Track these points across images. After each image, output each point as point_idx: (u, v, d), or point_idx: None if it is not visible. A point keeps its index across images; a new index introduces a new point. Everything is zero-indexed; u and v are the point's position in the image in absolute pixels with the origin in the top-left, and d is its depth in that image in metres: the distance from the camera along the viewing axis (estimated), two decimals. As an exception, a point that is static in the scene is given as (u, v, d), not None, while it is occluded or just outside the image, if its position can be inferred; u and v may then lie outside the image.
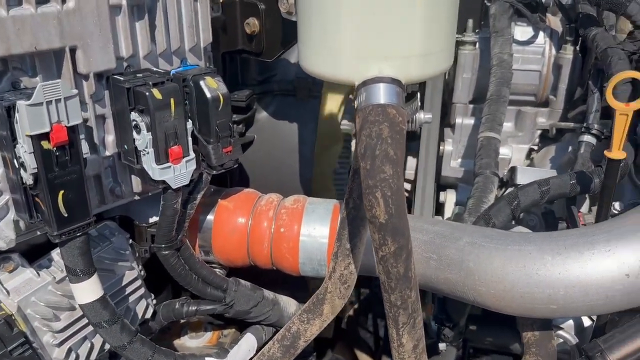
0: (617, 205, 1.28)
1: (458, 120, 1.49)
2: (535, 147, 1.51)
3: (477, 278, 0.93)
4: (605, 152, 1.00)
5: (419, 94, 0.86)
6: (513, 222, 1.23)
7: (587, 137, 1.25)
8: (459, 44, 1.46)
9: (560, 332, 1.22)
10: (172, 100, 0.94)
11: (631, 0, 1.24)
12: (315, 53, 0.86)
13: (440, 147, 1.47)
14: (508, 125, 1.51)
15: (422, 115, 0.84)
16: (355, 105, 0.82)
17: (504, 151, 1.43)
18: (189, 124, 0.98)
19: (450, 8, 0.83)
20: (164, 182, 0.96)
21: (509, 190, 1.23)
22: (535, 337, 1.03)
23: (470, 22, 1.43)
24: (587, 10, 1.37)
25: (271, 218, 1.15)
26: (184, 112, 0.96)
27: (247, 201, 1.18)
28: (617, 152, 0.99)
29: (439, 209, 1.48)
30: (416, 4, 0.78)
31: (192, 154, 0.99)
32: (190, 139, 0.98)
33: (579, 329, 1.23)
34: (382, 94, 0.79)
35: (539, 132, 1.49)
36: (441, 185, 1.50)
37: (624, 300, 0.85)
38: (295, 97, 1.36)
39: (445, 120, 1.56)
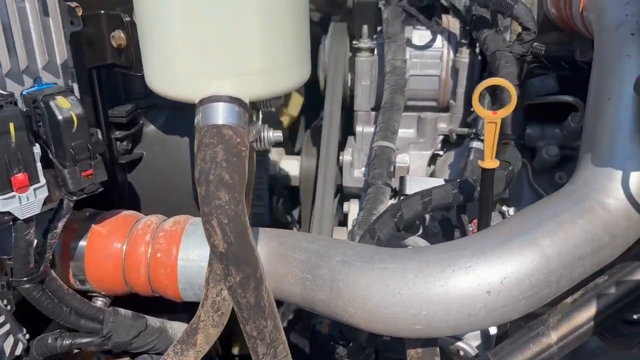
0: (511, 211, 1.27)
1: (358, 129, 1.45)
2: (441, 153, 1.49)
3: (346, 299, 0.90)
4: (479, 162, 0.98)
5: (260, 112, 0.82)
6: (408, 233, 1.20)
7: (475, 144, 1.23)
8: (355, 50, 1.43)
9: (459, 343, 1.20)
10: (11, 125, 0.87)
11: (518, 2, 1.23)
12: (156, 72, 0.81)
13: (340, 157, 1.43)
14: (410, 132, 1.49)
15: (270, 134, 0.80)
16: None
17: (402, 159, 1.40)
18: (36, 149, 0.91)
19: (294, 18, 0.79)
20: (9, 213, 0.89)
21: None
22: (417, 354, 1.00)
23: (365, 28, 1.40)
24: (481, 12, 1.36)
25: (148, 242, 1.09)
26: (28, 136, 0.89)
27: (123, 225, 1.12)
28: (489, 161, 0.97)
29: (345, 219, 1.45)
30: (251, 18, 0.74)
31: (43, 181, 0.92)
32: (39, 164, 0.92)
33: (485, 338, 1.22)
34: (218, 114, 0.74)
35: (440, 137, 1.47)
36: (345, 195, 1.47)
37: (487, 318, 0.83)
38: (184, 110, 1.30)
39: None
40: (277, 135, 0.79)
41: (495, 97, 1.26)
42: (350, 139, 1.49)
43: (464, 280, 0.82)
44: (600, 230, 0.87)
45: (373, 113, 1.48)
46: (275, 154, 2.00)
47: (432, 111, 1.50)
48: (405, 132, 1.49)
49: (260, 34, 0.74)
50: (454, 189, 1.09)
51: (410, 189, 1.21)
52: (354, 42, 1.44)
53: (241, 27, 0.73)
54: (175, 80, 0.78)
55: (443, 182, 1.20)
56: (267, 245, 0.98)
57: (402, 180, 1.24)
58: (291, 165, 2.00)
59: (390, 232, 1.09)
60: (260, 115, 0.81)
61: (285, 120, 2.24)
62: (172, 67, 0.78)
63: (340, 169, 1.46)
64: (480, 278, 0.82)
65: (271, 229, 1.03)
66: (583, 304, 0.99)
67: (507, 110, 0.93)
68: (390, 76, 1.34)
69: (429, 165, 1.48)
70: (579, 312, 0.99)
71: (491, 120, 0.95)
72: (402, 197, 1.21)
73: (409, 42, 1.44)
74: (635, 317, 1.00)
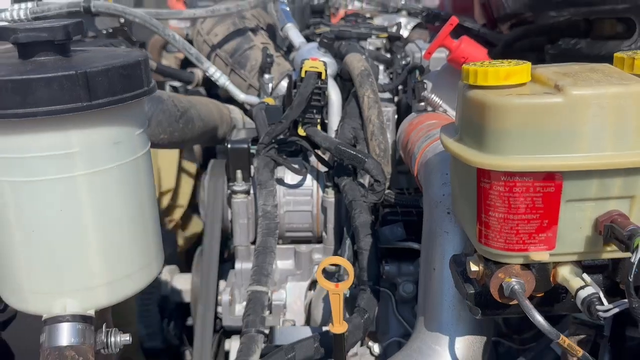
0: (376, 347, 1.37)
1: (238, 265, 1.53)
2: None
3: None
4: (329, 327, 1.07)
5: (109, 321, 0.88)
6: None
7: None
8: (232, 192, 1.52)
9: None
10: None
11: (369, 157, 1.37)
12: (4, 284, 0.84)
13: (219, 297, 1.50)
14: (288, 263, 1.58)
15: (118, 339, 0.85)
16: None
17: (279, 296, 1.48)
18: None
19: (135, 229, 0.86)
20: None
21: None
22: None
23: (239, 172, 1.50)
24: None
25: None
26: None
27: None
28: (337, 326, 1.06)
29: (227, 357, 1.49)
30: (89, 239, 0.80)
31: None
32: None
33: None
34: (62, 336, 0.79)
35: (316, 267, 1.57)
36: (228, 332, 1.52)
37: None
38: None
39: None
40: (124, 339, 0.85)
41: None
42: (231, 274, 1.56)
43: None
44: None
45: (253, 246, 1.56)
46: (166, 273, 2.03)
47: (309, 242, 1.60)
48: (284, 264, 1.58)
49: (98, 252, 0.80)
50: (315, 342, 1.17)
51: (279, 339, 1.28)
52: (230, 184, 1.53)
53: (79, 246, 0.79)
54: (22, 296, 0.82)
55: (310, 332, 1.28)
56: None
57: (271, 330, 1.32)
58: (183, 282, 2.03)
59: (258, 388, 1.15)
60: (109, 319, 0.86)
61: (179, 211, 2.25)
62: (18, 282, 0.82)
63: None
64: None
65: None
66: None
67: (346, 285, 1.03)
68: (262, 220, 1.44)
69: (309, 289, 1.57)
70: None
71: (335, 292, 1.05)
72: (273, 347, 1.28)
73: (282, 182, 1.55)
74: None
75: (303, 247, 1.57)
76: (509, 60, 0.82)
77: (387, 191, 1.42)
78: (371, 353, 1.38)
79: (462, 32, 1.60)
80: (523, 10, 1.51)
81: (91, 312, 0.82)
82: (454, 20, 1.40)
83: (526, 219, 0.76)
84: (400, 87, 1.64)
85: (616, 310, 0.72)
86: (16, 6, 1.45)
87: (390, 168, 1.50)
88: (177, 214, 2.25)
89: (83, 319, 0.80)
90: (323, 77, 1.43)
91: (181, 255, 2.24)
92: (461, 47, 1.40)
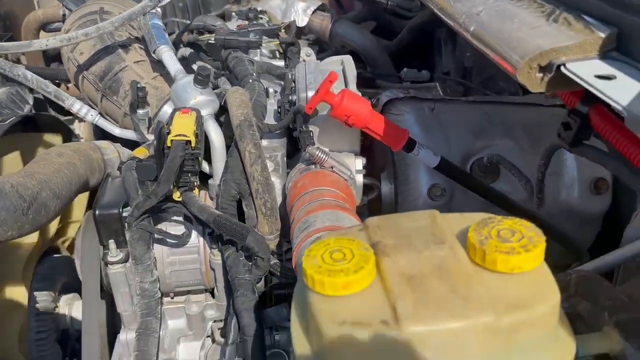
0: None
1: (122, 336, 1.44)
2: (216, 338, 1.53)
3: None
4: None
5: None
6: None
7: None
8: (107, 264, 1.40)
9: None
10: None
11: (250, 232, 1.27)
12: None
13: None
14: (180, 322, 1.51)
15: None
16: None
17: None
18: None
19: None
20: None
21: None
22: None
23: (112, 243, 1.37)
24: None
25: None
26: None
27: None
28: None
29: None
30: None
31: None
32: None
33: None
34: None
35: (210, 323, 1.51)
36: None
37: None
38: None
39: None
40: None
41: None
42: (117, 344, 1.48)
43: None
44: None
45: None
46: (63, 304, 1.93)
47: (200, 293, 1.53)
48: (175, 324, 1.50)
49: None
50: None
51: None
52: (105, 252, 1.40)
53: None
54: None
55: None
56: None
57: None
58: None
59: None
60: None
61: (73, 227, 2.12)
62: None
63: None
64: None
65: None
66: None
67: None
68: (141, 300, 1.34)
69: (201, 349, 1.52)
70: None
71: None
72: None
73: (164, 242, 1.44)
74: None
75: (194, 308, 1.49)
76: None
77: (273, 262, 1.33)
78: None
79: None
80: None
81: None
82: (334, 76, 1.25)
83: None
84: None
85: None
86: None
87: (279, 224, 1.40)
88: (71, 231, 2.10)
89: None
90: (193, 145, 1.27)
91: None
92: (343, 104, 1.26)
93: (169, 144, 1.26)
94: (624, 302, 0.87)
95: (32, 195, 1.20)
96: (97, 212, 1.37)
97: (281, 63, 1.87)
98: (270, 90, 1.70)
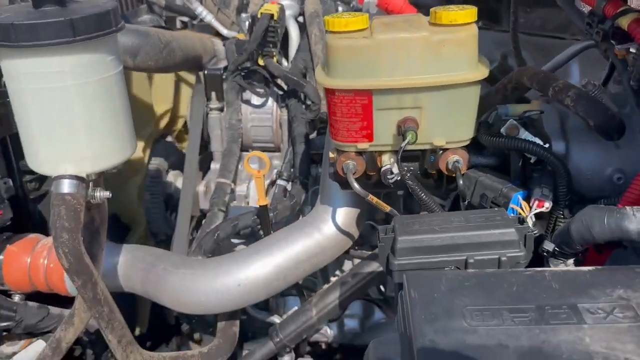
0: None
1: (213, 166, 1.98)
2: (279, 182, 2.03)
3: (164, 291, 1.44)
4: (258, 202, 1.52)
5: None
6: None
7: (280, 182, 1.79)
8: (208, 109, 1.96)
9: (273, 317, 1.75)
10: None
11: (308, 83, 1.77)
12: (26, 151, 1.30)
13: (197, 188, 1.97)
14: (254, 167, 2.02)
15: (100, 194, 1.31)
16: (52, 192, 1.29)
17: (241, 189, 1.94)
18: (-40, 200, 1.42)
19: (114, 119, 1.28)
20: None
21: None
22: (221, 325, 1.55)
23: (213, 94, 1.93)
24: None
25: (45, 256, 1.60)
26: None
27: (28, 244, 1.63)
28: (262, 201, 1.52)
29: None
30: (80, 127, 1.24)
31: (-33, 220, 1.43)
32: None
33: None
34: (64, 187, 1.25)
35: (275, 170, 2.01)
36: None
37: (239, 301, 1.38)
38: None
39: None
40: (105, 194, 1.31)
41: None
42: (209, 171, 2.02)
43: (224, 279, 1.37)
44: (313, 245, 1.42)
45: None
46: (171, 176, 2.52)
47: (271, 151, 2.04)
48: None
49: (87, 136, 1.25)
50: (253, 215, 1.63)
51: (232, 214, 1.75)
52: (207, 102, 1.97)
53: (72, 132, 1.24)
54: (38, 162, 1.28)
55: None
56: (124, 256, 1.52)
57: (227, 207, 1.78)
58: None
59: (212, 246, 1.63)
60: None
61: (180, 121, 2.70)
62: (35, 152, 1.28)
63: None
64: (234, 277, 1.37)
65: (130, 246, 1.56)
66: (331, 289, 1.56)
67: (265, 171, 1.47)
68: (228, 131, 1.88)
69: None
70: (329, 294, 1.55)
71: (257, 176, 1.49)
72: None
73: (249, 103, 1.97)
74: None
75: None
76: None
77: (322, 110, 1.82)
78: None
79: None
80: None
81: (83, 175, 1.28)
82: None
83: (352, 121, 1.16)
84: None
85: (398, 177, 1.14)
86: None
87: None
88: (179, 124, 2.71)
89: (77, 178, 1.26)
90: (275, 18, 1.80)
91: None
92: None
93: (259, 15, 1.80)
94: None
95: (166, 41, 1.78)
96: (206, 71, 1.94)
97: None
98: None
